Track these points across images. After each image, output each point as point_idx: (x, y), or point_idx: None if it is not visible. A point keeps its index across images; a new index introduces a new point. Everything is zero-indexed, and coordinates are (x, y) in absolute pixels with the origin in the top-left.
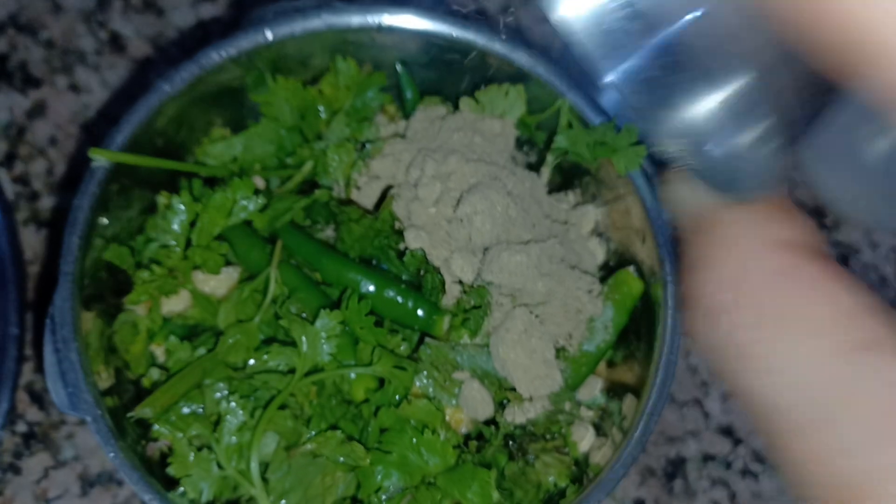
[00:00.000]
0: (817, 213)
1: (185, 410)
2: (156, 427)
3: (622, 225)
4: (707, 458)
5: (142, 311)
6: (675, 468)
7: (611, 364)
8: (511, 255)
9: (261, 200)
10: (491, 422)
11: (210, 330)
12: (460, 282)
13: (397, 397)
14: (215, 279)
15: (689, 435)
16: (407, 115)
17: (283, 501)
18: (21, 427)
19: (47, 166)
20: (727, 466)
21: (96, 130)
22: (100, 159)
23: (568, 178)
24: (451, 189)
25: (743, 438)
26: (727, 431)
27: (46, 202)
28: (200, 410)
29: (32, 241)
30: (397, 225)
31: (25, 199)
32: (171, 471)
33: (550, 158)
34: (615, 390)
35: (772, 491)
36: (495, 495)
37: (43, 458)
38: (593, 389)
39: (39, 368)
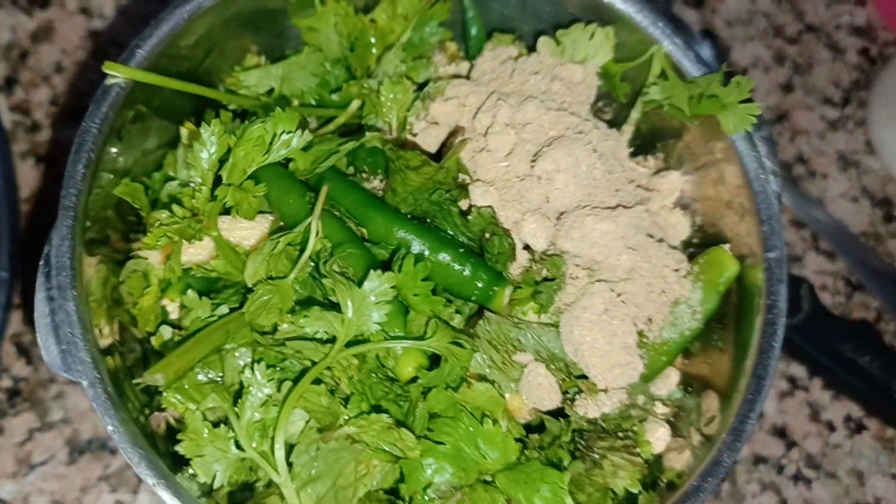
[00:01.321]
0: (886, 203)
1: (201, 378)
2: (165, 396)
3: (713, 196)
4: (758, 460)
5: (154, 260)
6: None
7: (686, 355)
8: (596, 221)
9: (306, 136)
10: (555, 413)
11: (234, 286)
12: (526, 248)
13: (453, 379)
14: (243, 227)
15: None
16: (470, 56)
17: (308, 490)
18: (5, 382)
19: (51, 95)
20: (779, 471)
21: (107, 58)
22: (115, 75)
23: (647, 140)
24: (527, 141)
25: (798, 441)
26: (780, 433)
27: (47, 134)
28: (219, 379)
29: (29, 177)
30: (460, 179)
31: (24, 129)
32: (181, 449)
33: (635, 114)
34: (691, 385)
35: (825, 500)
36: (569, 501)
37: (28, 418)
38: (670, 383)
39: (30, 319)
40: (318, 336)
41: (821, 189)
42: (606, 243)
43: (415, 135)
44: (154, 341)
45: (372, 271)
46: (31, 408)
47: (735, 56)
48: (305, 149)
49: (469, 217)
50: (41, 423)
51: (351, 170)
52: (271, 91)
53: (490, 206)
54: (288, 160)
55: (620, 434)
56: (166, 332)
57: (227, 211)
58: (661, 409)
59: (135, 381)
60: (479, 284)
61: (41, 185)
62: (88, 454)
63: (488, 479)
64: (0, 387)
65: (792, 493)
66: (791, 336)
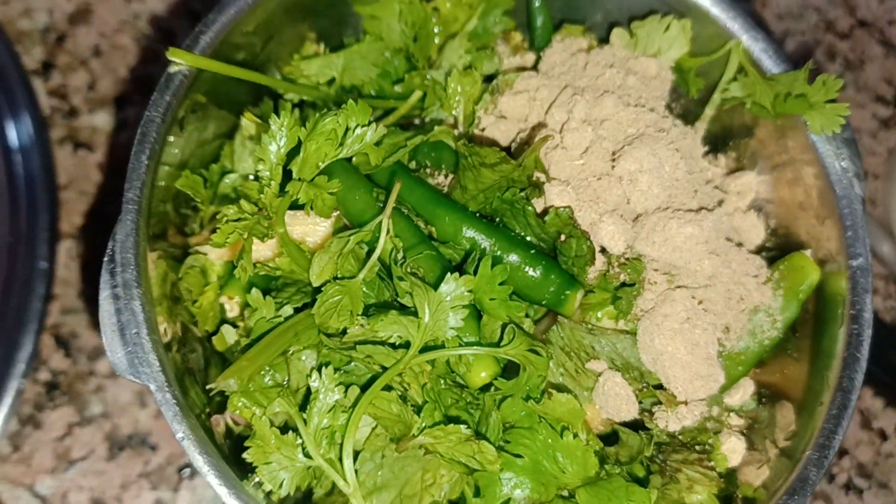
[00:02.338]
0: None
1: (267, 381)
2: (231, 400)
3: (788, 198)
4: None
5: (213, 256)
6: None
7: (758, 363)
8: (680, 225)
9: (380, 130)
10: (630, 425)
11: (295, 283)
12: (602, 251)
13: (532, 388)
14: (305, 223)
15: None
16: (537, 47)
17: (374, 499)
18: (44, 375)
19: (89, 80)
20: (830, 479)
21: (146, 43)
22: (179, 63)
23: (718, 138)
24: (605, 138)
25: (849, 450)
26: None
27: (86, 120)
28: (284, 383)
29: (67, 164)
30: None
31: (62, 115)
32: (249, 456)
33: (710, 111)
34: (764, 395)
35: None
36: None
37: (67, 412)
38: (745, 393)
39: (68, 309)
40: (392, 340)
41: (872, 190)
42: (689, 248)
43: (482, 129)
44: (216, 342)
45: (448, 274)
46: (69, 402)
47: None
48: (378, 143)
49: (545, 218)
50: (80, 417)
51: (413, 164)
52: (331, 81)
53: (568, 207)
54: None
55: (697, 447)
56: (229, 334)
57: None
58: (735, 420)
59: (208, 387)
60: (551, 288)
61: (79, 171)
62: (129, 450)
63: (567, 494)
64: (38, 380)
65: (843, 503)
66: None
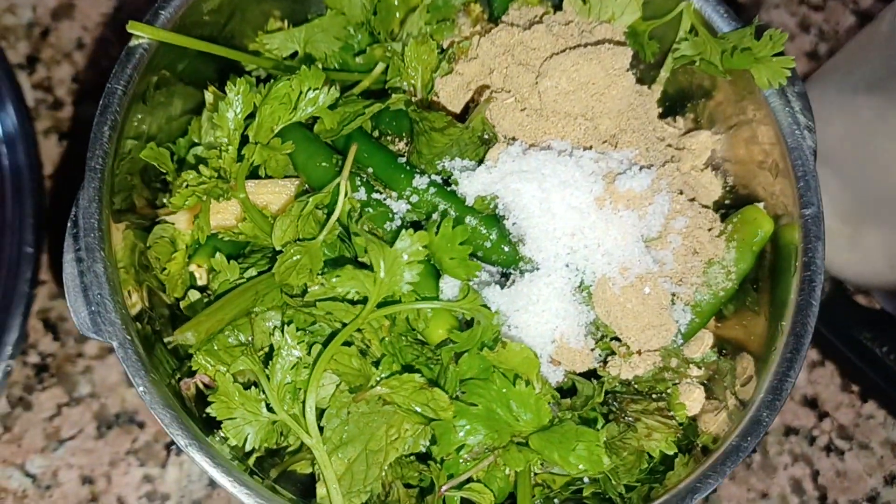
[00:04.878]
0: None
1: (231, 341)
2: (195, 358)
3: (745, 155)
4: (789, 431)
5: (181, 225)
6: None
7: (720, 318)
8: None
9: (333, 93)
10: (588, 375)
11: (261, 251)
12: None
13: (487, 339)
14: (269, 191)
15: None
16: (495, 17)
17: (339, 455)
18: (33, 358)
19: (72, 72)
20: (811, 442)
21: (128, 36)
22: (140, 36)
23: (675, 101)
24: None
25: (829, 412)
26: (812, 403)
27: (69, 111)
28: (249, 343)
29: (52, 153)
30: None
31: (46, 106)
32: (213, 410)
33: (664, 73)
34: (726, 348)
35: (858, 471)
36: (606, 459)
37: (56, 393)
38: (704, 345)
39: (56, 294)
40: (349, 297)
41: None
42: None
43: (438, 96)
44: (183, 306)
45: (403, 231)
46: (58, 383)
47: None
48: (332, 107)
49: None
50: (69, 397)
51: (375, 134)
52: (294, 55)
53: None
54: (313, 122)
55: (654, 396)
56: (194, 296)
57: (253, 174)
58: (695, 371)
59: (166, 340)
60: (506, 248)
61: (64, 161)
62: (116, 428)
63: (522, 440)
64: (28, 362)
65: (824, 464)
66: None
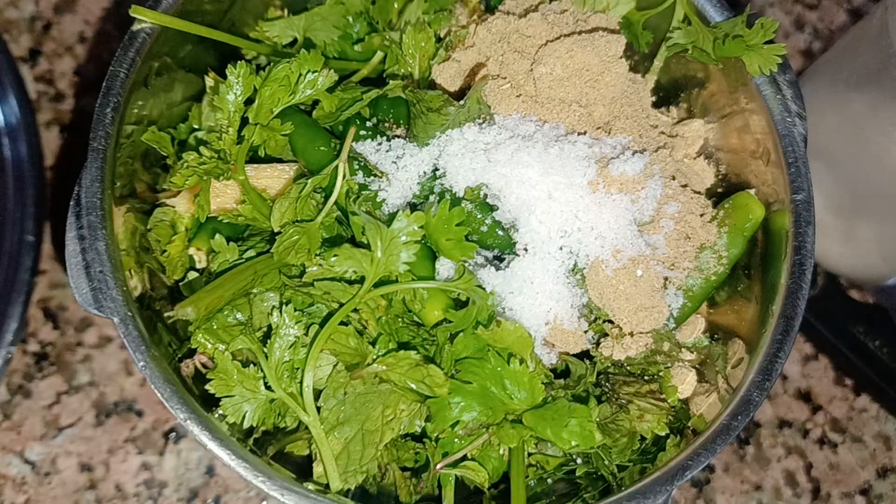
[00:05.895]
0: None
1: (230, 320)
2: (195, 336)
3: (737, 144)
4: (783, 424)
5: (181, 208)
6: (748, 433)
7: (713, 304)
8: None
9: (332, 76)
10: (581, 357)
11: (260, 233)
12: None
13: (482, 318)
14: (268, 175)
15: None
16: (491, 7)
17: (336, 434)
18: (33, 346)
19: (74, 65)
20: (804, 434)
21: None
22: (143, 20)
23: (669, 91)
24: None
25: (822, 405)
26: (805, 397)
27: (71, 104)
28: (248, 322)
29: (54, 146)
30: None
31: (48, 99)
32: (211, 388)
33: (658, 62)
34: (718, 333)
35: (851, 464)
36: (598, 435)
37: (55, 381)
38: (696, 329)
39: (56, 283)
40: (347, 276)
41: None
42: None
43: (438, 83)
44: (182, 288)
45: (400, 212)
46: (58, 371)
47: None
48: (330, 90)
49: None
50: (68, 385)
51: (374, 121)
52: (294, 43)
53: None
54: (312, 108)
55: (647, 378)
56: (193, 276)
57: (253, 159)
58: (687, 356)
59: (166, 315)
60: (500, 232)
61: (65, 152)
62: (115, 416)
63: (515, 418)
64: (28, 351)
65: (818, 457)
66: None
